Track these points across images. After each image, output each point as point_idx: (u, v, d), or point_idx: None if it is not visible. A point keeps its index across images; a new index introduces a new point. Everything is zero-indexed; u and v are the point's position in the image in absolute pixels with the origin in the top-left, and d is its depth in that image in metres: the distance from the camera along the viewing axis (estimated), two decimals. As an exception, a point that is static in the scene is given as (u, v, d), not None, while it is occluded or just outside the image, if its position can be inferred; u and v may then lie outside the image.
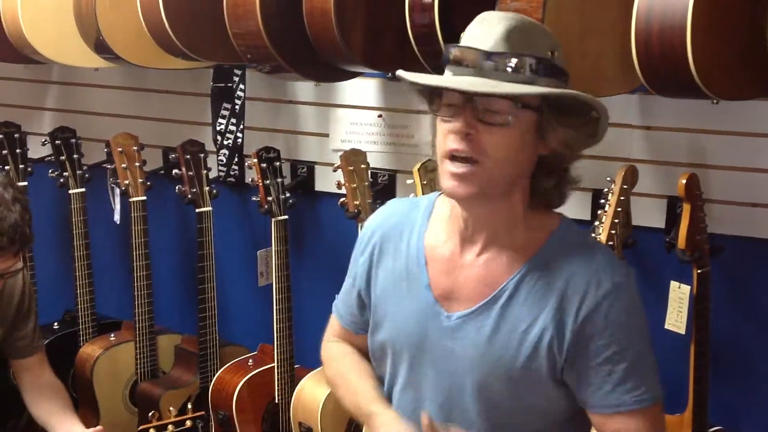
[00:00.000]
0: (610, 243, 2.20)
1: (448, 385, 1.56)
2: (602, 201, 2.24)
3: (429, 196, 1.67)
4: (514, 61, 1.40)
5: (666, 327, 2.28)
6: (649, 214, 2.38)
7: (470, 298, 1.53)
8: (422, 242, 1.59)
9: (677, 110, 2.31)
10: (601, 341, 1.46)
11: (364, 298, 1.68)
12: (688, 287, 2.22)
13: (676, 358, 2.29)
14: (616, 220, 2.20)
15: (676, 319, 2.24)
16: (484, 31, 1.43)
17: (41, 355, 2.44)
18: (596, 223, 2.23)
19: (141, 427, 2.08)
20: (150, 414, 2.12)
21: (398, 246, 1.61)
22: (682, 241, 2.13)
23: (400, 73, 1.50)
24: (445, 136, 1.45)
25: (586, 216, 2.45)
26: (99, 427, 2.15)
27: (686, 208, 2.15)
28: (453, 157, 1.44)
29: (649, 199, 2.39)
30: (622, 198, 2.21)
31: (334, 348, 1.79)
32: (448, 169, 1.44)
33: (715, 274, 2.22)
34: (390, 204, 1.73)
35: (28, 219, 2.13)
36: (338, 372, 1.75)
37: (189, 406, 2.21)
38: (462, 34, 1.49)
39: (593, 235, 2.22)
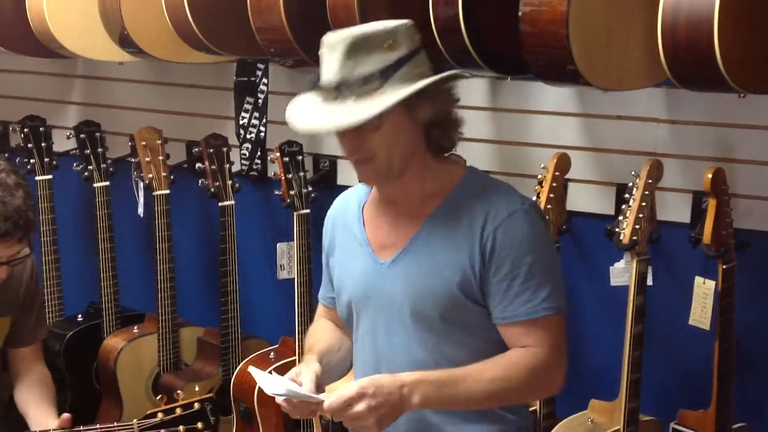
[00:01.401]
0: (634, 238, 2.18)
1: (391, 324, 1.75)
2: (626, 195, 2.23)
3: None
4: (359, 81, 1.60)
5: (690, 323, 2.27)
6: (674, 209, 2.37)
7: (397, 243, 1.75)
8: (360, 211, 1.84)
9: (703, 104, 2.29)
10: (499, 260, 1.66)
11: (332, 272, 1.90)
12: (713, 283, 2.20)
13: (700, 354, 2.28)
14: (641, 215, 2.18)
15: (701, 314, 2.23)
16: (327, 61, 1.64)
17: (38, 346, 2.43)
18: (620, 217, 2.22)
19: (149, 411, 2.09)
20: (158, 398, 2.13)
21: (346, 219, 1.86)
22: (707, 236, 2.12)
23: (288, 116, 1.70)
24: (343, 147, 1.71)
25: (610, 210, 2.44)
26: (66, 415, 2.14)
27: (712, 203, 2.13)
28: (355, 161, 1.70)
29: (674, 193, 2.37)
30: (646, 192, 2.19)
31: (314, 324, 2.00)
32: (357, 171, 1.71)
33: (740, 269, 2.20)
34: (343, 193, 1.96)
35: (31, 204, 2.13)
36: (307, 342, 1.96)
37: (196, 389, 2.22)
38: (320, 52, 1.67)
39: (617, 230, 2.20)
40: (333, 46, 1.62)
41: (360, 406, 1.57)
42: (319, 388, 1.70)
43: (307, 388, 1.66)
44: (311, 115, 1.65)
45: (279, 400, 1.68)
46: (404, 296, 1.72)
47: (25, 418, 2.29)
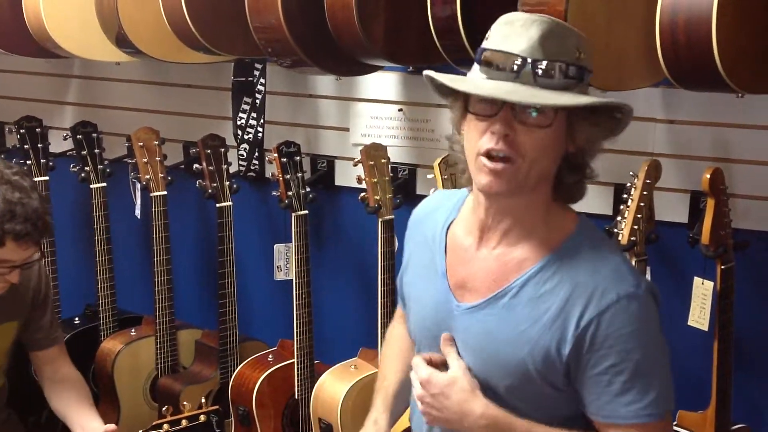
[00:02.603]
0: (632, 238, 2.18)
1: None
2: (625, 196, 2.22)
3: (464, 189, 1.68)
4: (550, 67, 1.42)
5: (689, 323, 2.26)
6: (672, 209, 2.36)
7: (480, 290, 1.55)
8: (446, 232, 1.63)
9: (701, 104, 2.28)
10: (601, 351, 1.45)
11: (402, 284, 1.76)
12: (712, 283, 2.19)
13: (699, 354, 2.27)
14: (639, 215, 2.18)
15: (700, 315, 2.22)
16: (517, 34, 1.44)
17: (60, 347, 2.44)
18: (619, 218, 2.21)
19: (155, 422, 2.07)
20: (164, 408, 2.11)
21: (427, 234, 1.66)
22: (705, 237, 2.11)
23: (432, 74, 1.51)
24: (480, 134, 1.46)
25: (608, 211, 2.43)
26: (112, 426, 2.14)
27: (710, 203, 2.12)
28: (490, 155, 1.46)
29: (672, 193, 2.37)
30: (645, 193, 2.19)
31: (393, 329, 1.88)
32: (484, 165, 1.46)
33: (739, 269, 2.19)
34: (433, 194, 1.79)
35: (47, 207, 2.14)
36: (384, 354, 1.87)
37: (203, 400, 2.20)
38: (487, 35, 1.49)
39: (615, 230, 2.20)
40: (529, 23, 1.42)
41: (418, 390, 1.54)
42: None
43: None
44: (496, 88, 1.42)
45: None
46: (473, 352, 1.55)
47: (65, 421, 2.29)
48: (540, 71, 1.42)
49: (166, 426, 2.07)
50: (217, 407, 2.12)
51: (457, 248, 1.60)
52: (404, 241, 1.76)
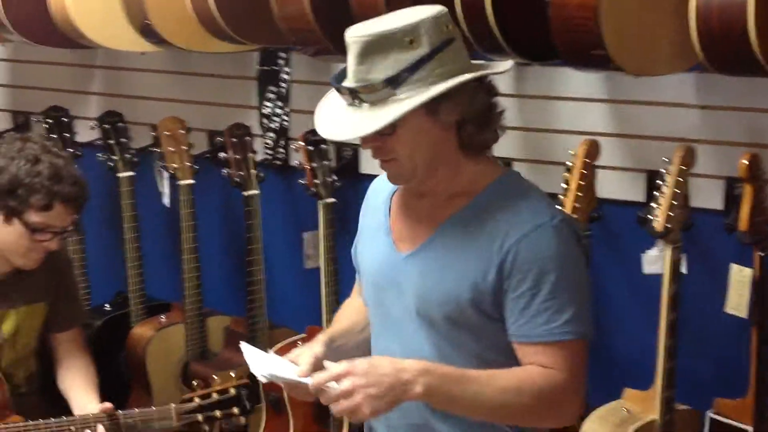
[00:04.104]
0: (667, 225, 2.15)
1: (399, 316, 1.71)
2: (659, 182, 2.19)
3: None
4: (367, 90, 1.55)
5: (726, 311, 2.24)
6: (707, 196, 2.33)
7: (416, 238, 1.70)
8: (389, 197, 1.79)
9: (736, 88, 2.24)
10: (519, 275, 1.58)
11: (356, 253, 1.87)
12: (750, 270, 2.17)
13: (737, 342, 2.25)
14: (675, 202, 2.15)
15: (738, 302, 2.20)
16: (348, 60, 1.57)
17: (79, 331, 2.47)
18: (653, 204, 2.18)
19: (185, 396, 2.10)
20: (194, 383, 2.14)
21: (377, 203, 1.82)
22: (743, 224, 2.08)
23: (316, 117, 1.67)
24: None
25: (641, 197, 2.41)
26: (107, 404, 2.17)
27: (747, 190, 2.09)
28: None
29: (707, 179, 2.33)
30: (679, 179, 2.16)
31: (346, 301, 1.98)
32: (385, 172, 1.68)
33: (776, 256, 2.17)
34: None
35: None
36: (333, 321, 1.95)
37: (232, 374, 2.22)
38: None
39: (650, 217, 2.17)
40: (349, 45, 1.57)
41: (346, 383, 1.50)
42: (318, 370, 1.61)
43: (298, 371, 1.61)
44: (332, 121, 1.62)
45: (262, 380, 1.64)
46: (413, 293, 1.68)
47: (69, 403, 2.31)
48: (362, 96, 1.55)
49: (197, 399, 2.10)
50: (246, 381, 2.14)
51: (398, 209, 1.76)
52: (360, 216, 1.88)
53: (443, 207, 1.68)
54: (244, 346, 1.70)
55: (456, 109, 1.58)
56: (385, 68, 1.54)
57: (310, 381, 1.55)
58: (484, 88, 1.63)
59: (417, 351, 1.66)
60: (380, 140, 1.59)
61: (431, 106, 1.56)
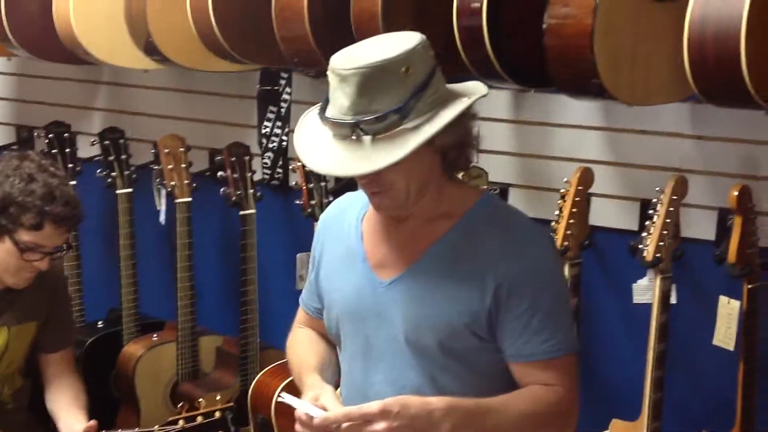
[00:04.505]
0: (657, 255, 2.15)
1: (384, 348, 1.68)
2: (651, 212, 2.19)
3: None
4: (372, 123, 1.51)
5: (714, 343, 2.23)
6: (698, 226, 2.33)
7: (398, 264, 1.67)
8: (360, 222, 1.75)
9: (730, 120, 2.25)
10: (517, 297, 1.60)
11: (319, 281, 1.81)
12: (738, 303, 2.16)
13: (724, 374, 2.24)
14: (665, 232, 2.15)
15: (725, 335, 2.19)
16: (340, 91, 1.53)
17: (69, 351, 2.45)
18: (644, 234, 2.19)
19: (170, 418, 2.09)
20: (179, 405, 2.13)
21: (341, 231, 1.77)
22: (732, 255, 2.08)
23: (298, 148, 1.63)
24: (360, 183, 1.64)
25: (634, 226, 2.41)
26: (93, 422, 2.16)
27: (737, 221, 2.10)
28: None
29: (699, 210, 2.33)
30: (671, 209, 2.16)
31: (297, 333, 1.92)
32: (370, 200, 1.65)
33: (766, 289, 2.16)
34: (339, 198, 1.89)
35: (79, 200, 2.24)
36: (294, 353, 1.89)
37: (218, 397, 2.22)
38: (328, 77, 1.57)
39: (640, 246, 2.17)
40: (345, 78, 1.51)
41: (380, 425, 1.50)
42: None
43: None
44: (326, 155, 1.57)
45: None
46: (402, 320, 1.64)
47: (56, 423, 2.30)
48: (365, 129, 1.52)
49: (181, 422, 2.09)
50: (231, 404, 2.14)
51: (372, 233, 1.72)
52: (313, 246, 1.84)
53: (426, 230, 1.66)
54: (286, 397, 1.68)
55: (451, 135, 1.58)
56: (389, 99, 1.51)
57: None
58: (470, 113, 1.63)
59: (409, 382, 1.65)
60: (376, 176, 1.56)
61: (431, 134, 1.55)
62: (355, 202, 1.79)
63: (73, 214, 2.20)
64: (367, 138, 1.52)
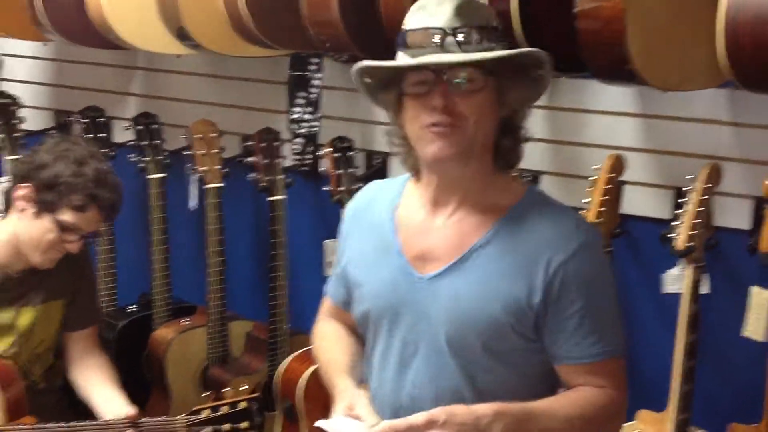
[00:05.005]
0: (690, 244, 2.10)
1: (426, 346, 1.62)
2: (683, 200, 2.15)
3: (401, 176, 1.76)
4: (469, 32, 1.52)
5: (743, 334, 2.18)
6: (734, 215, 2.27)
7: (442, 257, 1.61)
8: (392, 213, 1.69)
9: (766, 107, 2.19)
10: (570, 296, 1.55)
11: (347, 273, 1.76)
12: (770, 293, 2.11)
13: (752, 367, 2.18)
14: (697, 221, 2.10)
15: (755, 326, 2.14)
16: (432, 14, 1.54)
17: (94, 329, 2.48)
18: (675, 222, 2.14)
19: (195, 408, 2.10)
20: (206, 394, 2.14)
21: (372, 221, 1.71)
22: (764, 245, 2.02)
23: (368, 63, 1.61)
24: (420, 112, 1.55)
25: (667, 215, 2.36)
26: (134, 410, 2.18)
27: (770, 210, 2.04)
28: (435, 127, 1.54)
29: (734, 198, 2.28)
30: (704, 197, 2.11)
31: (324, 326, 1.88)
32: (431, 133, 1.54)
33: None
34: (367, 186, 1.84)
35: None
36: (321, 348, 1.84)
37: (244, 387, 2.22)
38: (404, 22, 1.60)
39: (671, 235, 2.12)
40: (439, 2, 1.54)
41: None
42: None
43: (368, 426, 1.54)
44: (429, 58, 1.52)
45: None
46: (445, 318, 1.59)
47: (88, 401, 2.32)
48: (461, 37, 1.51)
49: (206, 411, 2.10)
50: (257, 394, 2.14)
51: (409, 225, 1.66)
52: (340, 236, 1.79)
53: (471, 223, 1.60)
54: (323, 423, 1.61)
55: (517, 95, 1.58)
56: (485, 18, 1.55)
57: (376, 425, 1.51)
58: (534, 85, 1.62)
59: (446, 383, 1.61)
60: (455, 97, 1.52)
61: (504, 83, 1.56)
62: (386, 190, 1.74)
63: (117, 202, 2.28)
64: (462, 48, 1.51)
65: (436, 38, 1.52)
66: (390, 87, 1.60)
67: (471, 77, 1.52)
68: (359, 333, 1.79)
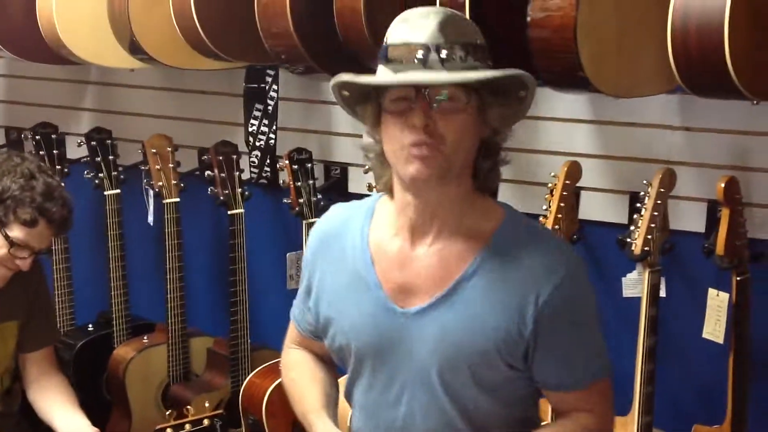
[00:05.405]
0: (645, 248, 2.13)
1: (415, 382, 1.59)
2: (638, 204, 2.17)
3: (370, 198, 1.71)
4: (452, 50, 1.47)
5: (703, 336, 2.21)
6: (689, 218, 2.31)
7: (425, 290, 1.56)
8: (366, 242, 1.62)
9: (718, 111, 2.23)
10: (559, 325, 1.53)
11: (317, 306, 1.69)
12: (727, 295, 2.14)
13: (714, 368, 2.22)
14: (653, 224, 2.13)
15: (714, 327, 2.17)
16: (415, 27, 1.49)
17: (50, 350, 2.44)
18: (632, 227, 2.17)
19: (158, 427, 2.07)
20: (168, 413, 2.12)
21: (343, 250, 1.64)
22: (720, 247, 2.06)
23: (344, 77, 1.54)
24: (400, 130, 1.50)
25: (623, 219, 2.38)
26: (96, 430, 2.16)
27: (725, 213, 2.07)
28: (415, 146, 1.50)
29: (689, 202, 2.32)
30: (658, 201, 2.14)
31: (292, 355, 1.82)
32: (411, 154, 1.49)
33: (755, 281, 2.14)
34: (333, 209, 1.76)
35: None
36: (291, 379, 1.79)
37: (206, 404, 2.20)
38: (386, 34, 1.54)
39: (628, 240, 2.15)
40: (425, 14, 1.49)
41: None
42: None
43: None
44: (411, 76, 1.46)
45: None
46: (434, 353, 1.54)
47: (49, 423, 2.29)
48: (445, 55, 1.46)
49: (169, 430, 2.07)
50: (220, 411, 2.12)
51: (385, 255, 1.60)
52: (306, 262, 1.72)
53: (453, 253, 1.55)
54: None
55: (498, 115, 1.53)
56: (468, 37, 1.50)
57: None
58: (516, 107, 1.57)
59: (439, 414, 1.59)
60: (435, 117, 1.47)
61: (487, 101, 1.51)
62: (355, 216, 1.67)
63: (67, 217, 2.23)
64: (445, 66, 1.45)
65: (419, 54, 1.46)
66: (368, 100, 1.55)
67: (453, 95, 1.47)
68: (329, 360, 1.77)
